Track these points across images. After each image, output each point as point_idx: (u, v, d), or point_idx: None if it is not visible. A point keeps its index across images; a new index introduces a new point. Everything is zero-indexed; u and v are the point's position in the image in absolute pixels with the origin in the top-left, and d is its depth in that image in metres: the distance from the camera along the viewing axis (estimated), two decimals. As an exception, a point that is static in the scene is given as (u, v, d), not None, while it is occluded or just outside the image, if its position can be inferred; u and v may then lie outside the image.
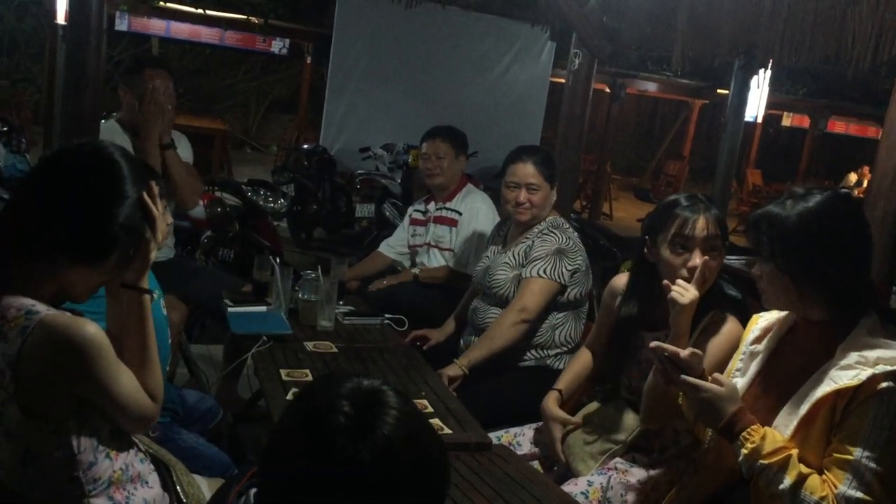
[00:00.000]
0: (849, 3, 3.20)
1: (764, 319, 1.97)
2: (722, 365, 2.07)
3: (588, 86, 4.32)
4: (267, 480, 1.14)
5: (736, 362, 1.98)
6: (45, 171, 1.63)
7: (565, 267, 3.03)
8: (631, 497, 2.29)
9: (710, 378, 1.73)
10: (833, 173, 18.40)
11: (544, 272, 3.00)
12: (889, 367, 1.61)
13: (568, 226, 3.21)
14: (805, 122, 17.02)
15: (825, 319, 1.77)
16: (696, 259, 2.21)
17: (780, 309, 1.89)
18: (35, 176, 1.66)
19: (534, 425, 2.73)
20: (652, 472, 2.33)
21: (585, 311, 3.24)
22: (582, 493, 2.27)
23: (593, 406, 2.60)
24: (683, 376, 1.73)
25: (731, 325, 2.24)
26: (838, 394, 1.65)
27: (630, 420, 2.44)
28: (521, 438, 2.69)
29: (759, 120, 13.03)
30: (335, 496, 1.05)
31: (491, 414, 2.85)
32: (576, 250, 3.10)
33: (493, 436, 2.65)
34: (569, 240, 3.10)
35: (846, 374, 1.65)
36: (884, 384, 1.61)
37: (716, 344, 2.23)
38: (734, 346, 2.10)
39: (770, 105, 14.53)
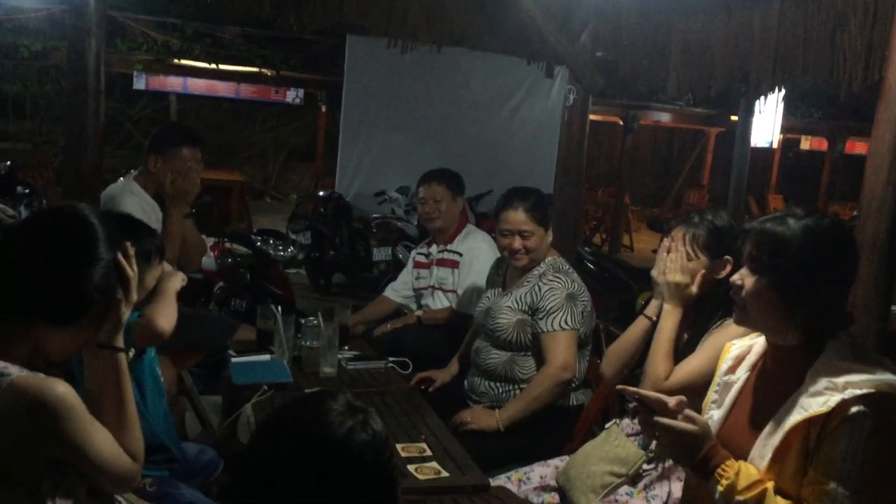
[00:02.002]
0: (837, 25, 3.21)
1: (736, 348, 1.94)
2: (716, 359, 2.07)
3: (584, 120, 4.34)
4: (245, 480, 1.33)
5: (711, 394, 1.95)
6: (21, 233, 1.65)
7: (579, 311, 3.03)
8: (633, 531, 2.28)
9: (681, 417, 1.70)
10: (857, 194, 18.18)
11: (566, 323, 2.99)
12: (858, 391, 1.58)
13: (568, 266, 3.20)
14: (823, 144, 16.92)
15: (795, 344, 1.74)
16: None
17: (756, 327, 1.84)
18: (11, 238, 1.68)
19: (543, 463, 2.71)
20: (653, 504, 2.31)
21: (589, 350, 3.22)
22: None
23: (597, 440, 2.58)
24: (656, 417, 1.70)
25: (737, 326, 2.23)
26: (810, 422, 1.61)
27: (632, 453, 2.42)
28: (531, 475, 2.67)
29: (775, 145, 13.01)
30: (319, 479, 1.27)
31: (498, 454, 2.85)
32: (581, 291, 3.10)
33: (504, 476, 2.65)
34: (573, 282, 3.09)
35: (816, 400, 1.61)
36: (854, 409, 1.57)
37: (716, 335, 2.32)
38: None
39: (787, 129, 14.52)
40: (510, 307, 3.11)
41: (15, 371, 1.50)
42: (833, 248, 1.72)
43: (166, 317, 2.34)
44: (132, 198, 3.45)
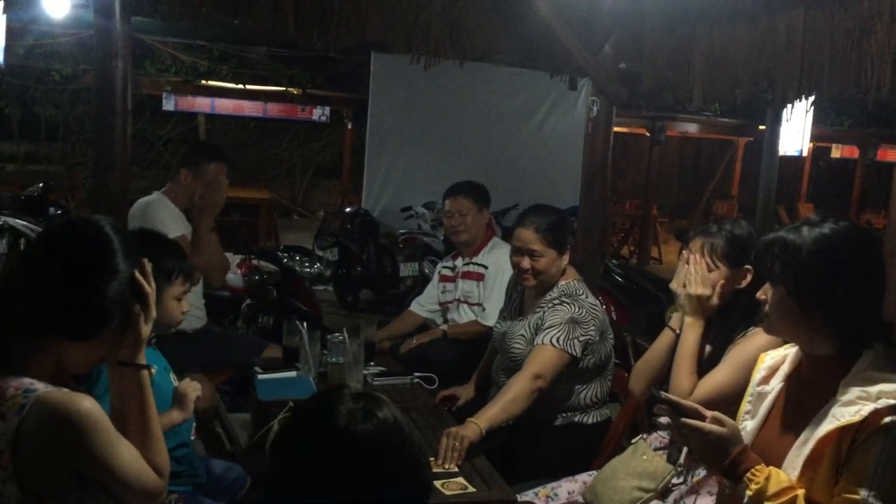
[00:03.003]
0: (863, 32, 3.17)
1: (770, 358, 1.91)
2: (742, 370, 2.05)
3: (608, 132, 4.31)
4: (278, 472, 1.34)
5: (745, 405, 1.92)
6: (39, 247, 1.66)
7: (578, 338, 2.92)
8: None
9: (709, 418, 1.68)
10: (889, 202, 17.89)
11: (557, 341, 2.89)
12: (891, 401, 1.55)
13: (583, 291, 3.08)
14: (854, 152, 16.69)
15: (830, 354, 1.70)
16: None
17: (783, 336, 1.83)
18: (29, 252, 1.69)
19: (570, 478, 2.68)
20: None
21: (611, 369, 3.16)
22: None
23: (624, 455, 2.55)
24: (683, 419, 1.68)
25: (763, 335, 2.19)
26: (842, 431, 1.58)
27: (660, 468, 2.39)
28: (558, 490, 2.65)
29: (805, 153, 12.85)
30: (334, 474, 1.26)
31: (526, 470, 2.82)
32: (589, 319, 2.98)
33: (532, 492, 2.63)
34: (581, 308, 2.98)
35: (848, 410, 1.58)
36: (887, 419, 1.54)
37: (740, 346, 2.31)
38: (758, 353, 2.03)
39: (817, 137, 14.35)
40: (523, 336, 3.07)
41: (41, 387, 1.51)
42: (847, 254, 1.69)
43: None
44: (164, 208, 3.68)
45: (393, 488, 1.30)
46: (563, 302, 3.00)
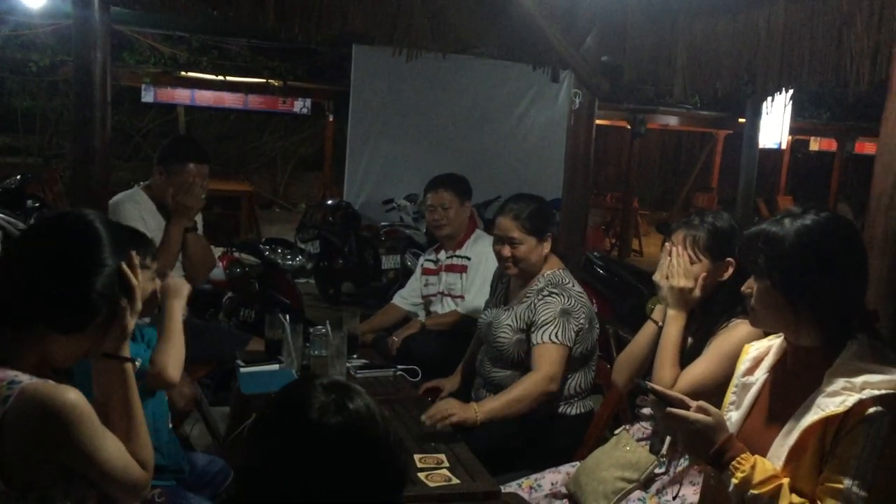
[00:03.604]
0: (843, 25, 3.19)
1: (754, 349, 1.93)
2: (724, 361, 2.07)
3: (590, 124, 4.32)
4: (250, 464, 1.32)
5: (729, 395, 1.93)
6: (27, 239, 1.65)
7: (572, 329, 2.94)
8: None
9: (694, 408, 1.69)
10: (867, 196, 18.06)
11: (556, 337, 2.91)
12: (876, 392, 1.56)
13: (569, 279, 3.11)
14: (833, 145, 16.85)
15: (815, 345, 1.72)
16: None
17: (770, 329, 1.84)
18: (17, 244, 1.68)
19: (553, 469, 2.70)
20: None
21: (595, 360, 3.18)
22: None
23: (607, 446, 2.57)
24: (669, 409, 1.69)
25: (744, 327, 2.22)
26: (826, 421, 1.60)
27: (643, 458, 2.40)
28: (541, 481, 2.66)
29: (784, 146, 12.96)
30: (305, 466, 1.24)
31: (509, 461, 2.83)
32: (579, 308, 3.00)
33: (515, 483, 2.63)
34: (570, 298, 3.00)
35: (833, 400, 1.60)
36: (871, 409, 1.56)
37: (722, 338, 2.32)
38: (740, 344, 2.07)
39: (796, 130, 14.46)
40: (510, 325, 3.07)
41: (25, 378, 1.50)
42: (830, 244, 1.70)
43: (175, 367, 2.37)
44: (133, 206, 3.50)
45: (366, 480, 1.28)
46: (552, 293, 3.01)
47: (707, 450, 1.68)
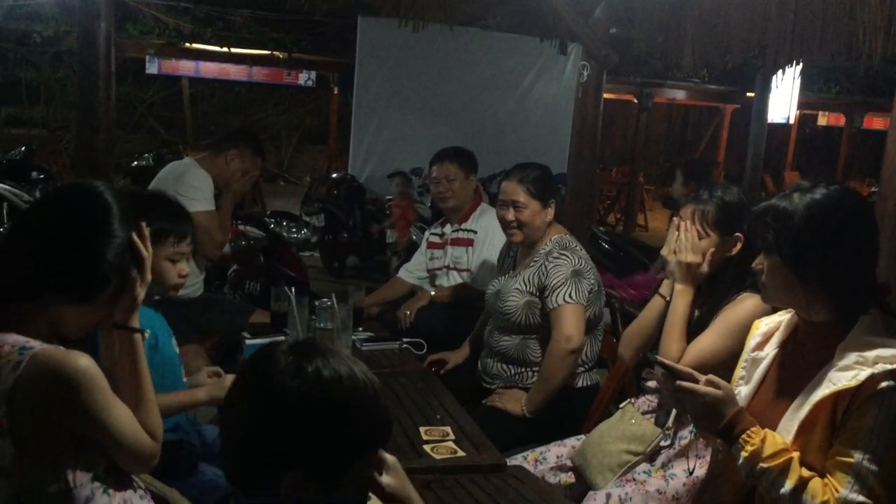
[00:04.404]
0: (856, -2, 3.14)
1: (764, 324, 1.92)
2: (730, 335, 2.07)
3: (598, 97, 4.29)
4: (223, 427, 1.39)
5: (739, 370, 1.93)
6: (38, 209, 1.65)
7: (585, 288, 2.98)
8: (651, 507, 2.28)
9: (704, 381, 1.68)
10: (876, 170, 17.97)
11: (571, 297, 2.95)
12: (888, 366, 1.56)
13: (576, 244, 3.14)
14: (841, 120, 16.73)
15: (827, 320, 1.71)
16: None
17: (782, 305, 1.83)
18: (28, 214, 1.68)
19: (559, 442, 2.71)
20: (672, 482, 2.31)
21: (601, 329, 3.20)
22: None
23: (612, 419, 2.57)
24: (679, 382, 1.69)
25: (752, 300, 2.23)
26: (838, 395, 1.60)
27: (648, 431, 2.41)
28: (546, 454, 2.67)
29: (792, 121, 12.85)
30: (270, 426, 1.26)
31: (514, 434, 2.85)
32: (589, 269, 3.05)
33: (520, 456, 2.65)
34: (580, 259, 3.04)
35: (845, 375, 1.59)
36: (883, 384, 1.56)
37: (729, 311, 2.31)
38: (749, 319, 2.06)
39: (804, 105, 14.35)
40: (518, 289, 3.08)
41: (37, 345, 1.51)
42: (840, 219, 1.69)
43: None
44: (206, 178, 3.78)
45: (331, 440, 1.27)
46: (562, 254, 3.04)
47: (717, 423, 1.68)
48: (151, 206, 2.35)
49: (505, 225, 3.14)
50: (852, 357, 1.61)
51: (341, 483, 1.30)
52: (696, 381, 1.69)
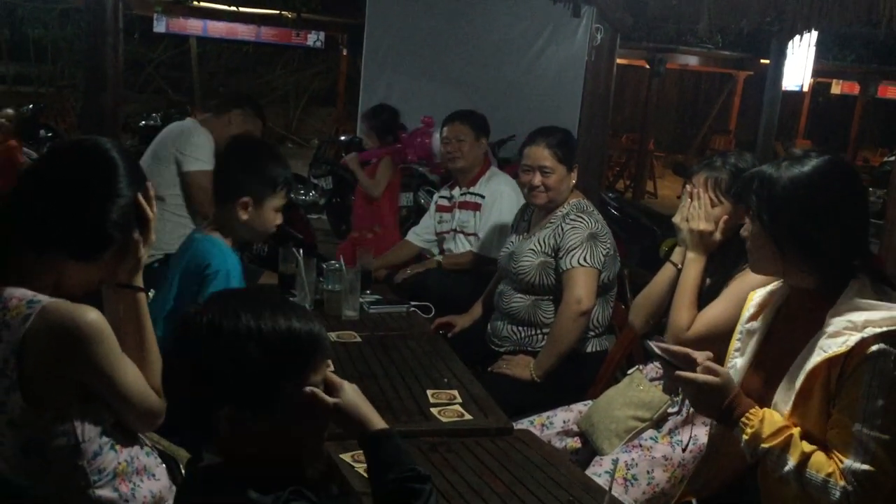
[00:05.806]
0: (878, -39, 3.07)
1: (759, 296, 1.91)
2: (738, 305, 2.04)
3: (612, 61, 4.23)
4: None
5: (734, 342, 1.92)
6: (44, 164, 1.64)
7: (601, 252, 2.98)
8: (658, 473, 2.30)
9: (701, 368, 1.68)
10: (888, 140, 17.83)
11: (585, 260, 2.94)
12: (878, 329, 1.55)
13: (593, 208, 3.14)
14: (855, 88, 16.52)
15: (814, 287, 1.70)
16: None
17: (764, 273, 1.82)
18: (34, 170, 1.67)
19: (565, 408, 2.71)
20: (678, 449, 2.31)
21: (614, 295, 3.19)
22: (607, 471, 2.26)
23: (620, 385, 2.57)
24: (678, 373, 1.68)
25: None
26: (830, 362, 1.59)
27: (656, 398, 2.41)
28: (553, 419, 2.68)
29: (806, 88, 12.71)
30: (191, 368, 1.30)
31: (521, 399, 2.85)
32: (605, 233, 3.04)
33: (527, 420, 2.65)
34: (597, 223, 3.04)
35: (835, 341, 1.59)
36: (874, 347, 1.55)
37: (739, 280, 2.27)
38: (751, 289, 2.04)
39: (818, 73, 14.16)
40: (533, 249, 3.07)
41: (45, 298, 1.52)
42: (823, 190, 1.67)
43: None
44: (207, 137, 3.78)
45: (249, 367, 1.27)
46: (579, 217, 3.03)
47: (716, 409, 1.69)
48: (266, 152, 2.48)
49: (530, 188, 3.11)
50: (841, 323, 1.60)
51: (276, 408, 1.29)
52: (693, 364, 1.68)
